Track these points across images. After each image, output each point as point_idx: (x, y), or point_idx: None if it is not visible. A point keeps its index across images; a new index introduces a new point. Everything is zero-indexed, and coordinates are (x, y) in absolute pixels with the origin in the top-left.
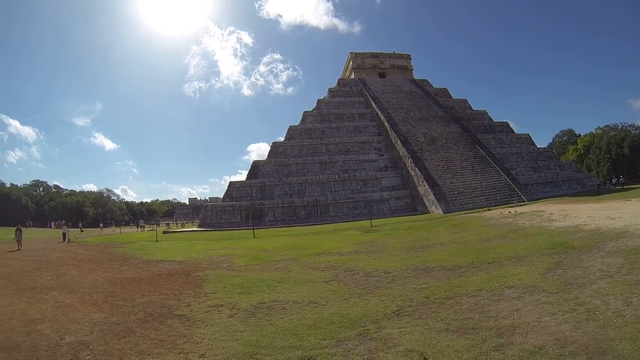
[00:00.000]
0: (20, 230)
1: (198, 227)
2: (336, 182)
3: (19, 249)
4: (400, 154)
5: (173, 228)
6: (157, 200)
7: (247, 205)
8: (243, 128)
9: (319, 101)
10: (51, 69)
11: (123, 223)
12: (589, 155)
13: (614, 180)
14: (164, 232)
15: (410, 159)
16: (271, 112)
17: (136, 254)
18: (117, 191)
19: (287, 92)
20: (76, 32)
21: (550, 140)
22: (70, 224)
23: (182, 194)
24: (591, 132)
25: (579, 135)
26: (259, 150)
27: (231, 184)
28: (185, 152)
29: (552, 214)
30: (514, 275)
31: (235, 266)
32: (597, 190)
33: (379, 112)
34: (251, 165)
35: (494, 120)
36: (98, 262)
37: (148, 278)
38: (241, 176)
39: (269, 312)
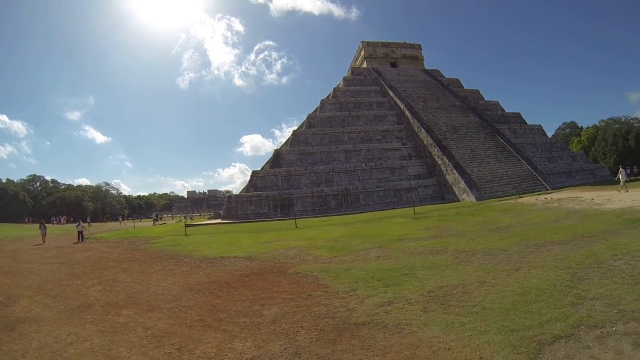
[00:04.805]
0: (44, 225)
1: (222, 219)
2: (363, 170)
3: (43, 242)
4: (425, 142)
5: (186, 222)
6: (154, 193)
7: (274, 195)
8: (235, 120)
9: (335, 89)
10: (41, 63)
11: (120, 217)
12: (594, 147)
13: (628, 171)
14: (187, 226)
15: (436, 147)
16: (265, 103)
17: (180, 250)
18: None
19: (282, 81)
20: (66, 25)
21: (553, 132)
22: (71, 218)
23: (177, 187)
24: (594, 125)
25: (582, 127)
26: (252, 142)
27: (254, 173)
28: (178, 145)
29: (592, 199)
30: (628, 243)
31: (323, 259)
32: (614, 180)
33: (398, 101)
34: (273, 154)
35: (506, 111)
36: (143, 263)
37: (235, 281)
38: (235, 168)
39: (457, 298)
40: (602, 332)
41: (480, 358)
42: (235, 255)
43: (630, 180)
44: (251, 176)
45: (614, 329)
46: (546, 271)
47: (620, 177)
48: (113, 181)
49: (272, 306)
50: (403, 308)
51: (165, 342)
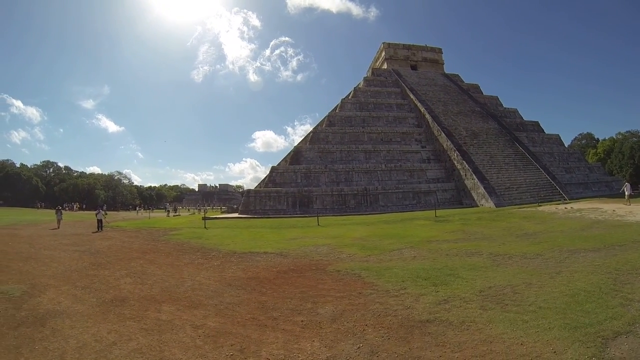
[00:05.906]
0: (60, 211)
1: (239, 213)
2: (383, 171)
3: (58, 228)
4: (445, 146)
5: (198, 215)
6: (165, 185)
7: (293, 192)
8: (248, 115)
9: (355, 89)
10: (57, 51)
11: (137, 207)
12: (610, 160)
13: None
14: (203, 219)
15: (456, 151)
16: (279, 100)
17: (204, 243)
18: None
19: (297, 79)
20: (84, 15)
21: (569, 143)
22: (84, 206)
23: (187, 179)
24: (611, 137)
25: (598, 139)
26: (264, 138)
27: (274, 168)
28: (190, 138)
29: (614, 210)
30: None
31: (358, 257)
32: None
33: (418, 104)
34: (293, 150)
35: (525, 119)
36: (169, 255)
37: (274, 277)
38: (246, 164)
39: (510, 298)
40: None
41: (554, 352)
42: (265, 251)
43: None
44: (270, 171)
45: None
46: (587, 275)
47: (625, 190)
48: (124, 171)
49: (325, 304)
50: (461, 306)
51: (222, 342)
